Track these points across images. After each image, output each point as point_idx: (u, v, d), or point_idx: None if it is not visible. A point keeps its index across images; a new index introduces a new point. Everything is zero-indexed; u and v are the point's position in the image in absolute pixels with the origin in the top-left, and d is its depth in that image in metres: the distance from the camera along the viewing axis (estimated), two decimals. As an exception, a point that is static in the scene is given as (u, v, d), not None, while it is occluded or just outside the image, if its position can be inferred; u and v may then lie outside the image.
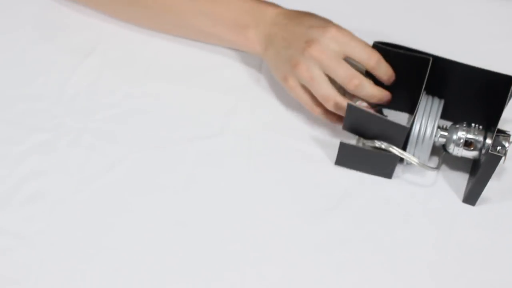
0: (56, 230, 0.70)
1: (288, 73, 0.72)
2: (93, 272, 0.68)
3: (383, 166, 0.73)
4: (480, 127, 0.71)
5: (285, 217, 0.71)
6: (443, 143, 0.72)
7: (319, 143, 0.76)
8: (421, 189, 0.73)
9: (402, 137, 0.69)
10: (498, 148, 0.66)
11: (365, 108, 0.70)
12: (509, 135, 0.68)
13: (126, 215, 0.71)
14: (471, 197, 0.71)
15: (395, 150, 0.70)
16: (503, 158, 0.66)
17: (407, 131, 0.69)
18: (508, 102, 0.71)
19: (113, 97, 0.80)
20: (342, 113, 0.71)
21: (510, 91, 0.69)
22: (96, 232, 0.70)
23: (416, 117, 0.70)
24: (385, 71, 0.72)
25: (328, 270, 0.67)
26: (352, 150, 0.72)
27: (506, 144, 0.67)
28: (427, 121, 0.71)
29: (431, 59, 0.71)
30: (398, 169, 0.74)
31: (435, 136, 0.71)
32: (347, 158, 0.73)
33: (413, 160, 0.70)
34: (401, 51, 0.72)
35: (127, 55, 0.85)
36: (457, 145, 0.70)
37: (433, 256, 0.69)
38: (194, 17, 0.78)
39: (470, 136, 0.70)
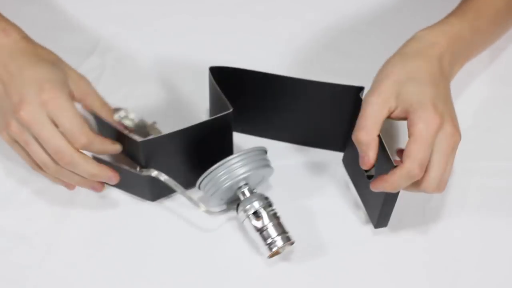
0: (56, 230, 0.70)
1: (2, 127, 0.65)
2: (93, 272, 0.68)
3: (140, 186, 0.69)
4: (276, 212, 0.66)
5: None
6: (239, 201, 0.67)
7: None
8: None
9: (138, 152, 0.65)
10: None
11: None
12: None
13: (127, 214, 0.71)
14: (382, 220, 0.68)
15: (179, 190, 0.66)
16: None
17: (140, 146, 0.64)
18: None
19: (113, 97, 0.80)
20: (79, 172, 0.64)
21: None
22: (96, 231, 0.70)
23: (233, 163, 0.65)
24: (99, 149, 0.64)
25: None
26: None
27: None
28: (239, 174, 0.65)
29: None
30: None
31: (237, 188, 0.67)
32: None
33: (199, 207, 0.67)
34: (250, 70, 0.69)
35: (127, 55, 0.85)
36: (245, 212, 0.66)
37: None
38: None
39: (261, 211, 0.66)
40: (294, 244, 0.66)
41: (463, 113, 0.79)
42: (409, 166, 0.60)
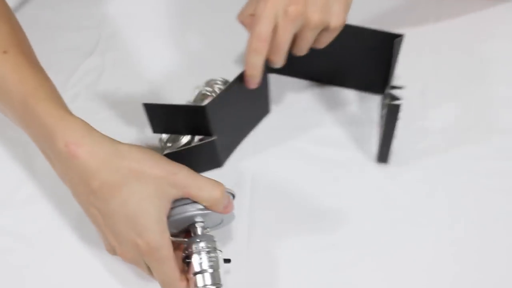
0: (56, 230, 0.70)
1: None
2: (93, 272, 0.68)
3: (208, 156, 0.70)
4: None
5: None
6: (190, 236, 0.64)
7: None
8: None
9: (202, 118, 0.65)
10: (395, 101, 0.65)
11: (160, 103, 0.67)
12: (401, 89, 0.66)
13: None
14: (383, 155, 0.70)
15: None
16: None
17: (205, 110, 0.64)
18: (395, 62, 0.70)
19: (113, 97, 0.80)
20: None
21: (394, 49, 0.69)
22: (96, 231, 0.70)
23: None
24: None
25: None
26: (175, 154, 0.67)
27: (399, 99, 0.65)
28: None
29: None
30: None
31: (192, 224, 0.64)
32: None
33: None
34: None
35: (127, 55, 0.85)
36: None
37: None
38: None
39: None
40: None
41: (463, 113, 0.79)
42: (250, 40, 0.63)
